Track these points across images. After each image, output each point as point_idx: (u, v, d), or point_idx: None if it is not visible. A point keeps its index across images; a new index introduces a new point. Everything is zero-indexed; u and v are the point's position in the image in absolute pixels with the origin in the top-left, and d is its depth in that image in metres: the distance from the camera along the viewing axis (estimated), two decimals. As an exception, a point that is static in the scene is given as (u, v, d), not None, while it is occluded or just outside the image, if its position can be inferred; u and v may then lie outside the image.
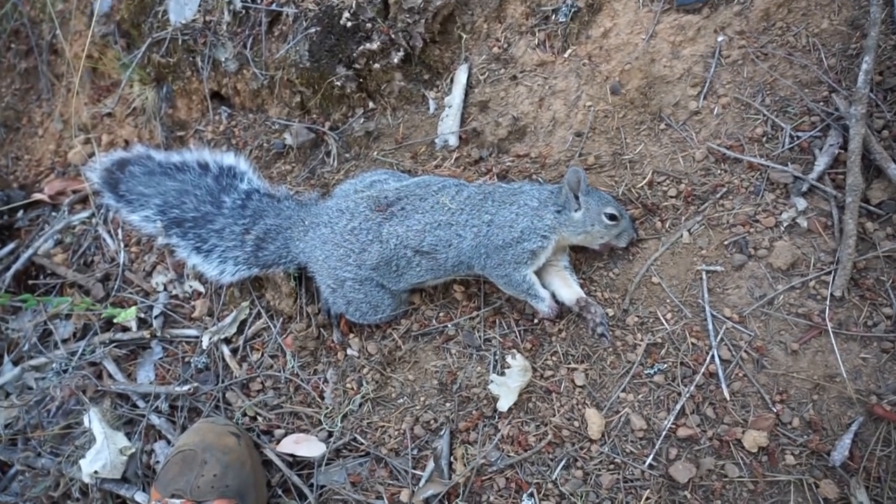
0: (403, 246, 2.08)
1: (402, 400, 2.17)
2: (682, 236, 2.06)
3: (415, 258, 2.08)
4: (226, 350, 2.46)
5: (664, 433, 1.86)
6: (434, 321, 2.22)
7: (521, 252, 2.00)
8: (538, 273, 2.08)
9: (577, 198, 1.99)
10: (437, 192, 2.12)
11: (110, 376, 2.52)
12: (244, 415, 2.33)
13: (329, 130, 2.61)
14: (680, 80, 2.20)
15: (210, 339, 2.47)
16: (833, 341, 1.82)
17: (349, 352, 2.28)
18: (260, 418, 2.32)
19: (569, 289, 2.05)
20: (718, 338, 1.92)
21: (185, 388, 2.31)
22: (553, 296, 2.06)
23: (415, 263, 2.09)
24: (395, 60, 2.46)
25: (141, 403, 2.45)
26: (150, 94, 2.91)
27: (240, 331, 2.47)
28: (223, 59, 2.72)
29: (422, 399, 2.14)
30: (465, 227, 2.04)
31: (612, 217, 1.98)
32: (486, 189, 2.11)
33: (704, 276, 1.99)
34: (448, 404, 2.11)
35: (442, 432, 2.06)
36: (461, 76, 2.47)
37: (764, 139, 2.07)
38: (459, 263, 2.07)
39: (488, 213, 2.05)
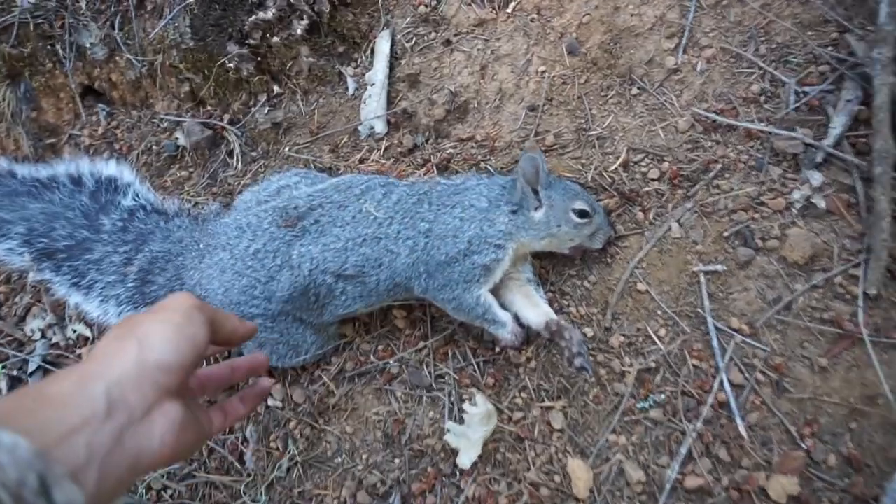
0: (321, 271, 1.61)
1: (339, 459, 1.73)
2: (670, 229, 1.64)
3: (338, 285, 1.63)
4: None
5: (669, 485, 1.47)
6: (372, 357, 1.78)
7: (470, 268, 1.56)
8: (495, 291, 1.64)
9: (536, 192, 1.55)
10: (360, 196, 1.65)
11: (-22, 455, 2.01)
12: (148, 489, 1.87)
13: (228, 125, 2.11)
14: (652, 32, 1.76)
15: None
16: (871, 352, 1.44)
17: (270, 402, 1.82)
18: (168, 492, 1.86)
19: (535, 308, 1.62)
20: (727, 357, 1.52)
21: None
22: (516, 317, 1.63)
23: (338, 291, 1.63)
24: (299, 31, 1.96)
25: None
26: (6, 95, 2.34)
27: (137, 383, 1.99)
28: (89, 45, 2.19)
29: (364, 456, 1.71)
30: (396, 240, 1.59)
31: (581, 213, 1.55)
32: (421, 188, 1.66)
33: (703, 279, 1.58)
34: (397, 461, 1.68)
35: (391, 498, 1.64)
36: (383, 45, 1.98)
37: (762, 99, 1.65)
38: (395, 286, 1.62)
39: (425, 220, 1.60)
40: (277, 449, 1.78)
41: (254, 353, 1.24)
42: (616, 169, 1.72)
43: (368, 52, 2.03)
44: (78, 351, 2.10)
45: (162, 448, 0.78)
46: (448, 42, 1.93)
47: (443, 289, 1.58)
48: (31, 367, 2.08)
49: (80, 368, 0.79)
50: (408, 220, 1.60)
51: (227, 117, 2.13)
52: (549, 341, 1.63)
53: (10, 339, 2.17)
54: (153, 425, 0.79)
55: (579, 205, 1.55)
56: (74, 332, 2.12)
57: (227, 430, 1.87)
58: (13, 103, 2.37)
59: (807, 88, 1.62)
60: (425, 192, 1.64)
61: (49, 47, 2.24)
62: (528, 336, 1.65)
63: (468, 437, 1.58)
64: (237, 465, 1.83)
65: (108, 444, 0.72)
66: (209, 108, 2.17)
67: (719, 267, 1.58)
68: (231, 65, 2.02)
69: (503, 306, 1.64)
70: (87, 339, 2.10)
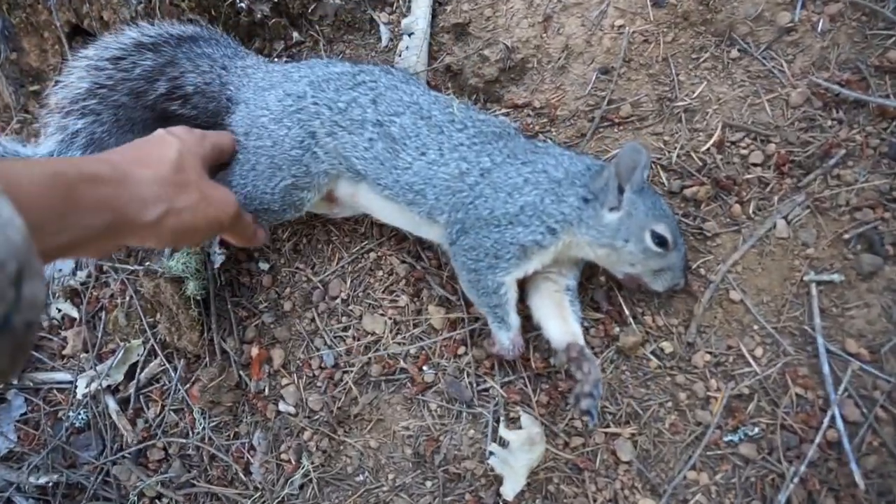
0: (371, 99, 1.38)
1: (361, 477, 1.49)
2: (774, 227, 1.35)
3: (373, 129, 1.36)
4: (111, 403, 1.73)
5: (761, 539, 1.22)
6: (403, 361, 1.51)
7: (507, 242, 1.28)
8: (524, 288, 1.39)
9: (621, 192, 1.25)
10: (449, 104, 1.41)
11: (-50, 446, 1.78)
12: (142, 496, 1.64)
13: (238, 77, 1.79)
14: (760, -19, 1.43)
15: (88, 385, 1.74)
16: None
17: (282, 407, 1.57)
18: (164, 500, 1.63)
19: (562, 323, 1.34)
20: (841, 388, 1.24)
21: (44, 479, 1.60)
22: (535, 328, 1.36)
23: (367, 135, 1.36)
24: (326, -34, 1.63)
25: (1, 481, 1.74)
26: (-18, 33, 2.02)
27: (130, 374, 1.74)
28: (75, -25, 1.85)
29: (390, 476, 1.47)
30: (453, 148, 1.33)
31: (660, 241, 1.25)
32: (508, 129, 1.40)
33: (813, 290, 1.30)
34: (429, 483, 1.44)
35: (422, 528, 1.40)
36: (425, -13, 1.65)
37: (902, 68, 1.33)
38: (417, 194, 1.35)
39: (491, 157, 1.32)
40: (289, 461, 1.54)
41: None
42: (708, 150, 1.42)
43: (406, -6, 1.70)
44: (63, 333, 1.84)
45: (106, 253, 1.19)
46: (505, -15, 1.60)
47: (468, 251, 1.31)
48: (10, 349, 1.83)
49: (111, 188, 0.99)
50: (475, 143, 1.34)
51: (236, 68, 1.81)
52: (565, 371, 1.35)
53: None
54: (112, 247, 1.14)
55: (662, 229, 1.24)
56: (59, 310, 1.86)
57: (232, 436, 1.62)
58: (-10, 43, 2.05)
59: (962, 57, 1.30)
60: (508, 133, 1.38)
61: (30, -24, 1.91)
62: (524, 351, 1.39)
63: (511, 465, 1.33)
64: (242, 476, 1.59)
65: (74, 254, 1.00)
66: (216, 56, 1.85)
67: (835, 276, 1.29)
68: (243, 4, 1.70)
69: (530, 307, 1.40)
70: (72, 319, 1.84)
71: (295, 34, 1.78)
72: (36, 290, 0.62)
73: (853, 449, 1.22)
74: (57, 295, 1.87)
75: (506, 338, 1.35)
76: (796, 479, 1.23)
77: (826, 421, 1.24)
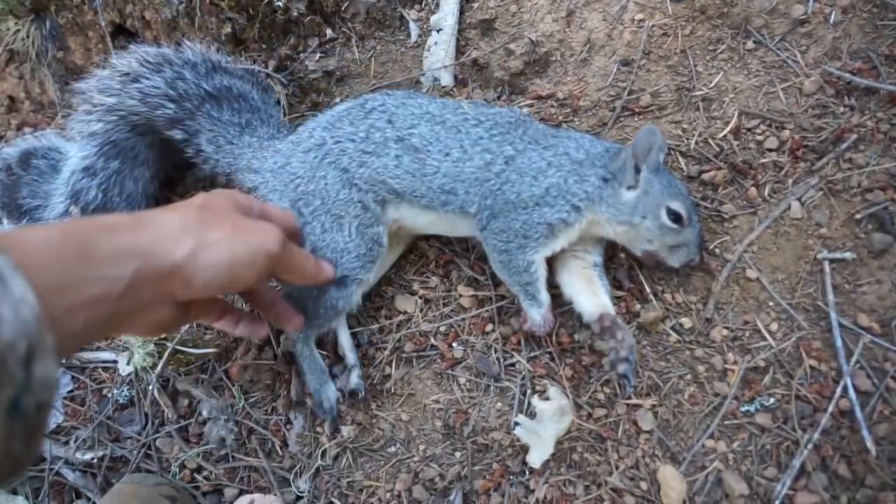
0: (387, 120, 1.46)
1: (393, 449, 1.57)
2: (789, 208, 1.42)
3: (396, 146, 1.45)
4: (153, 380, 1.82)
5: (778, 501, 1.28)
6: (433, 338, 1.59)
7: (535, 222, 1.36)
8: (553, 267, 1.46)
9: (638, 171, 1.32)
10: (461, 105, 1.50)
11: (2, 421, 1.88)
12: (183, 468, 1.73)
13: (274, 72, 1.89)
14: (774, -25, 1.50)
15: (131, 364, 1.84)
16: None
17: (318, 383, 1.65)
18: (204, 472, 1.72)
19: (593, 297, 1.42)
20: (853, 360, 1.31)
21: (89, 456, 1.70)
22: (566, 303, 1.44)
23: (393, 153, 1.44)
24: (358, -34, 1.73)
25: (47, 455, 1.84)
26: (31, 32, 2.14)
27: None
28: (121, -22, 1.96)
29: (421, 448, 1.54)
30: (474, 144, 1.41)
31: (675, 217, 1.33)
32: (523, 117, 1.48)
33: (826, 267, 1.36)
34: (458, 454, 1.52)
35: (452, 495, 1.48)
36: (453, -15, 1.74)
37: (910, 57, 1.40)
38: (451, 193, 1.43)
39: (513, 146, 1.41)
40: (325, 434, 1.62)
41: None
42: (725, 136, 1.49)
43: (435, -8, 1.79)
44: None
45: (137, 331, 1.01)
46: (529, -17, 1.69)
47: (499, 234, 1.39)
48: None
49: (131, 233, 0.88)
50: (495, 135, 1.42)
51: (272, 64, 1.91)
52: (598, 337, 1.42)
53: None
54: (144, 315, 0.92)
55: (677, 206, 1.32)
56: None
57: (270, 411, 1.71)
58: (38, 41, 2.17)
59: (969, 46, 1.37)
60: (525, 122, 1.46)
61: (77, -21, 2.03)
62: (555, 327, 1.47)
63: (539, 434, 1.40)
64: (279, 449, 1.67)
65: (101, 321, 0.79)
66: (252, 52, 1.95)
67: (848, 255, 1.36)
68: (280, 3, 1.79)
69: (560, 285, 1.47)
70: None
71: (328, 31, 1.88)
72: (48, 371, 0.59)
73: (865, 417, 1.28)
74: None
75: (537, 314, 1.43)
76: (810, 446, 1.29)
77: (839, 391, 1.31)
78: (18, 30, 2.14)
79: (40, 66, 2.20)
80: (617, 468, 1.40)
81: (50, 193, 1.78)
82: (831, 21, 1.47)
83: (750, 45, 1.53)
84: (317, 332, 1.58)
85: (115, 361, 1.88)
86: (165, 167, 1.85)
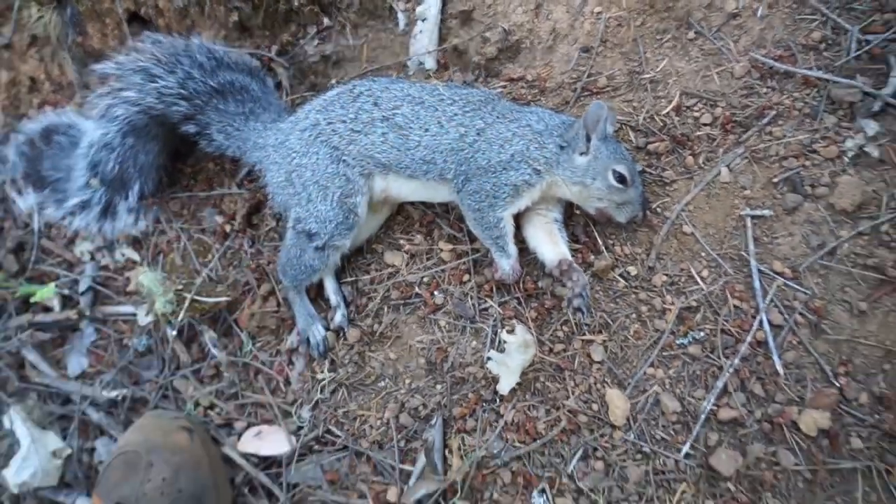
0: (373, 102, 1.71)
1: (383, 383, 1.81)
2: (719, 174, 1.67)
3: (382, 125, 1.69)
4: (170, 330, 2.05)
5: (703, 416, 1.54)
6: (417, 287, 1.84)
7: (502, 184, 1.61)
8: (519, 223, 1.72)
9: (588, 140, 1.57)
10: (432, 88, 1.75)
11: (33, 367, 2.11)
12: (197, 405, 1.97)
13: (276, 56, 2.12)
14: (713, -25, 1.74)
15: (150, 315, 2.06)
16: (911, 298, 1.48)
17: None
18: (216, 409, 1.96)
19: (553, 246, 1.68)
20: (768, 298, 1.56)
21: (114, 393, 1.93)
22: (530, 254, 1.72)
23: (380, 131, 1.69)
24: (353, -39, 1.95)
25: (75, 396, 2.07)
26: (53, 18, 2.34)
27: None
28: (137, -31, 2.17)
29: (407, 381, 1.79)
30: (450, 119, 1.66)
31: (620, 178, 1.57)
32: (491, 95, 1.72)
33: (749, 223, 1.62)
34: (439, 387, 1.76)
35: (433, 420, 1.72)
36: (437, -21, 1.97)
37: (822, 46, 1.66)
38: (431, 164, 1.68)
39: (483, 120, 1.65)
40: (322, 372, 1.86)
41: None
42: (668, 113, 1.74)
43: (421, -14, 2.02)
44: (126, 274, 2.16)
45: None
46: (503, -21, 1.92)
47: (472, 195, 1.64)
48: (83, 287, 2.15)
49: None
50: (468, 111, 1.66)
51: (275, 48, 2.13)
52: (556, 281, 1.67)
53: (60, 259, 2.24)
54: None
55: (621, 168, 1.57)
56: (123, 255, 2.18)
57: (274, 353, 1.95)
58: (59, 27, 2.37)
59: (869, 37, 1.62)
60: (492, 99, 1.70)
61: (97, -30, 2.23)
62: (522, 275, 1.73)
63: (507, 365, 1.65)
64: (283, 387, 1.91)
65: None
66: (257, 38, 2.17)
67: (766, 212, 1.62)
68: (282, -6, 2.01)
69: (525, 238, 1.72)
70: (134, 262, 2.17)
71: (325, 19, 2.10)
72: None
73: (776, 346, 1.54)
74: (121, 241, 2.19)
75: (507, 264, 1.68)
76: (731, 370, 1.55)
77: (756, 325, 1.56)
78: (42, 16, 2.35)
79: (60, 50, 2.40)
80: (573, 393, 1.65)
81: (71, 167, 2.01)
82: (759, 15, 1.72)
83: (691, 35, 1.77)
84: (302, 284, 1.84)
85: (134, 314, 2.10)
86: (174, 141, 2.07)
